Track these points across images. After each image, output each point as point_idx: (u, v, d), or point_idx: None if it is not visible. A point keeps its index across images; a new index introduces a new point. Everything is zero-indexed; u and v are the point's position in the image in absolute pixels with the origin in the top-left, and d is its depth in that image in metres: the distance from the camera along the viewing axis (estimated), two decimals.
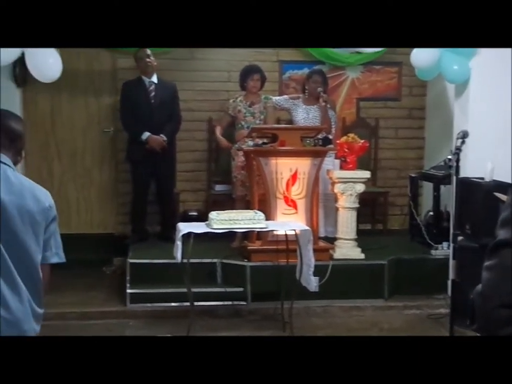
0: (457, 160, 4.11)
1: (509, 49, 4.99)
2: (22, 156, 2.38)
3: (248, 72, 5.88)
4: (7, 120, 2.32)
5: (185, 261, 4.47)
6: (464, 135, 4.25)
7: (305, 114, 5.96)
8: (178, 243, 4.36)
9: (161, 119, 5.88)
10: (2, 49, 4.57)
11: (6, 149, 2.28)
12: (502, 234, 1.55)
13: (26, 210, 2.19)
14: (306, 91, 6.01)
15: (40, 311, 2.26)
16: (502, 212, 1.61)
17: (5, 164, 2.24)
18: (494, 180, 4.83)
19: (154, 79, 5.97)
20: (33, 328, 2.22)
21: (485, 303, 1.57)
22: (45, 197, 2.30)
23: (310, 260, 4.58)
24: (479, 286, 1.62)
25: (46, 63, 4.94)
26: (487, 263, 1.56)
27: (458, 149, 4.15)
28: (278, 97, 6.14)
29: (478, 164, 4.93)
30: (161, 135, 5.85)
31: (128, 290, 5.21)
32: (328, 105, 5.91)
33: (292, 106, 6.03)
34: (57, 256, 2.34)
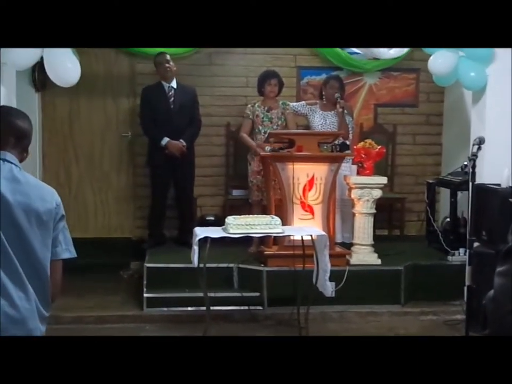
0: (473, 166, 4.10)
1: None
2: (28, 153, 2.33)
3: (265, 77, 5.91)
4: (13, 118, 2.29)
5: (201, 265, 4.49)
6: (480, 141, 4.24)
7: (323, 120, 5.98)
8: (195, 247, 4.38)
9: (180, 124, 5.92)
10: (21, 54, 4.63)
11: (12, 147, 2.25)
12: None
13: (33, 210, 2.17)
14: (324, 97, 6.02)
15: (46, 314, 2.25)
16: None
17: (12, 163, 2.22)
18: (510, 186, 4.82)
19: (174, 84, 6.01)
20: (39, 328, 2.20)
21: (497, 308, 1.58)
22: (51, 196, 2.27)
23: (326, 265, 4.58)
24: (491, 292, 1.63)
25: (65, 67, 4.98)
26: (499, 269, 1.57)
27: (475, 155, 4.14)
28: (295, 103, 6.16)
29: (494, 170, 4.92)
30: (181, 140, 5.89)
31: (145, 295, 5.24)
32: (346, 111, 5.91)
33: (309, 112, 6.05)
34: (68, 251, 2.31)
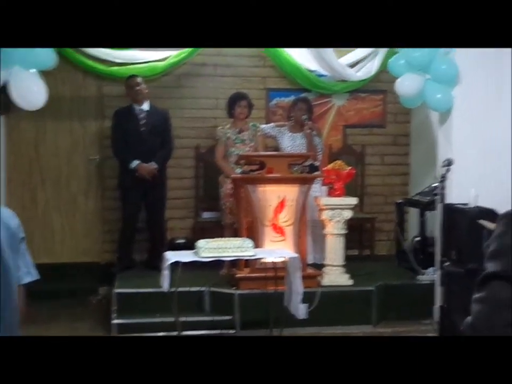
0: (443, 188, 4.15)
1: (490, 77, 5.10)
2: None
3: (235, 100, 5.92)
4: None
5: (173, 289, 4.44)
6: (449, 163, 4.30)
7: (291, 142, 6.01)
8: (166, 272, 4.33)
9: (152, 146, 5.90)
10: None
11: None
12: (491, 266, 1.57)
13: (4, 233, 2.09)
14: (292, 118, 6.06)
15: None
16: (490, 244, 1.63)
17: None
18: (477, 206, 4.88)
19: (146, 106, 5.99)
20: None
21: (475, 335, 1.58)
22: (13, 219, 2.19)
23: (298, 287, 4.57)
24: (469, 318, 1.63)
25: (31, 90, 4.92)
26: (477, 296, 1.58)
27: (444, 177, 4.19)
28: (264, 125, 6.19)
29: (461, 190, 4.98)
30: (152, 162, 5.86)
31: (114, 321, 5.15)
32: (314, 132, 5.97)
33: (278, 134, 6.07)
34: (29, 275, 2.20)
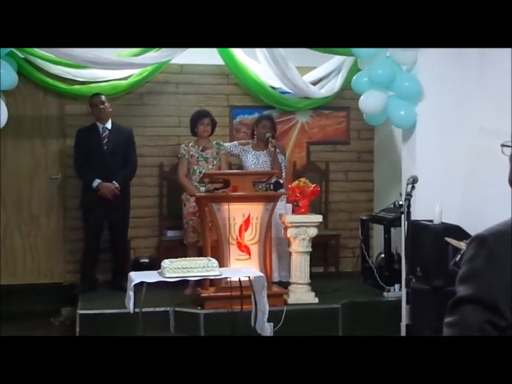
0: (408, 206, 4.16)
1: (453, 92, 5.16)
2: None
3: (198, 117, 5.89)
4: None
5: (137, 310, 4.37)
6: (414, 181, 4.32)
7: (255, 160, 6.00)
8: (131, 293, 4.26)
9: (114, 165, 5.83)
10: None
11: None
12: (461, 291, 1.56)
13: None
14: (255, 136, 6.06)
15: None
16: (460, 267, 1.62)
17: None
18: (442, 222, 4.91)
19: (109, 125, 5.93)
20: None
21: None
22: None
23: (264, 306, 4.55)
24: None
25: None
26: (448, 320, 1.57)
27: (409, 195, 4.21)
28: (228, 144, 6.17)
29: (426, 206, 5.00)
30: (114, 181, 5.78)
31: None
32: (278, 150, 5.97)
33: (241, 152, 6.06)
34: None
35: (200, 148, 5.87)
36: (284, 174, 6.01)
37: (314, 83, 6.54)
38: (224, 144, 6.07)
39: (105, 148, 5.88)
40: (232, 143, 6.22)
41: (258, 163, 5.99)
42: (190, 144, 5.89)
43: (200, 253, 5.53)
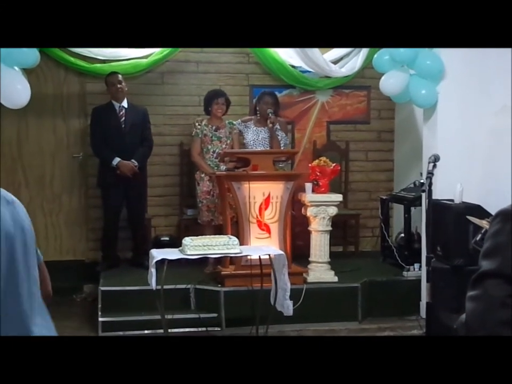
0: (430, 184, 4.16)
1: (475, 72, 5.11)
2: None
3: (213, 97, 5.89)
4: None
5: (159, 287, 4.41)
6: (435, 159, 4.30)
7: (255, 136, 5.96)
8: (153, 270, 4.31)
9: (132, 144, 5.86)
10: None
11: None
12: (485, 265, 1.57)
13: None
14: (258, 112, 6.01)
15: None
16: (484, 242, 1.63)
17: None
18: (463, 202, 4.90)
19: (125, 103, 5.95)
20: None
21: (469, 333, 1.58)
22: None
23: (285, 284, 4.57)
24: (463, 316, 1.63)
25: (14, 89, 4.84)
26: (471, 293, 1.58)
27: (431, 173, 4.20)
28: (235, 122, 6.10)
29: (447, 186, 4.99)
30: (132, 160, 5.82)
31: (100, 319, 5.12)
32: (278, 127, 5.92)
33: (243, 129, 6.03)
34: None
35: (214, 127, 5.87)
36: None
37: (335, 62, 6.50)
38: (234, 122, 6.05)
39: (123, 126, 5.90)
40: (237, 121, 6.16)
41: (257, 139, 5.95)
42: (204, 123, 5.89)
43: (216, 231, 5.55)
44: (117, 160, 5.79)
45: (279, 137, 5.91)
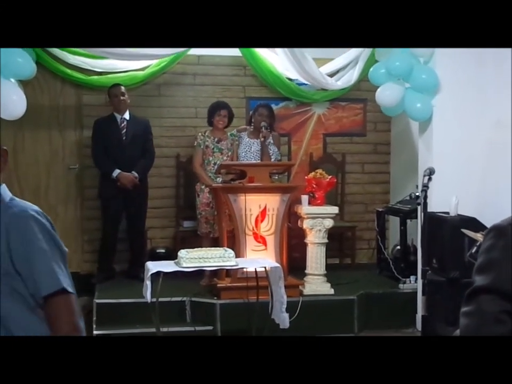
0: (425, 197, 4.16)
1: (470, 85, 5.14)
2: None
3: (216, 108, 5.89)
4: None
5: (154, 300, 4.40)
6: (430, 172, 4.31)
7: (248, 147, 5.92)
8: (148, 283, 4.29)
9: (133, 155, 5.87)
10: None
11: None
12: (478, 280, 1.57)
13: None
14: (252, 124, 6.00)
15: None
16: (478, 257, 1.63)
17: None
18: (458, 214, 4.90)
19: (127, 115, 5.96)
20: None
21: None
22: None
23: (282, 296, 4.56)
24: (457, 332, 1.63)
25: (10, 100, 4.85)
26: (464, 309, 1.58)
27: (426, 186, 4.21)
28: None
29: (443, 198, 5.00)
30: (133, 171, 5.82)
31: (95, 332, 5.09)
32: (270, 141, 5.90)
33: (238, 139, 6.00)
34: None
35: (216, 139, 5.87)
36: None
37: (331, 75, 6.52)
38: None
39: (124, 138, 5.91)
40: (233, 131, 6.14)
41: (250, 151, 5.91)
42: (206, 134, 5.89)
43: (214, 243, 5.54)
44: (117, 172, 5.79)
45: (270, 151, 5.86)
